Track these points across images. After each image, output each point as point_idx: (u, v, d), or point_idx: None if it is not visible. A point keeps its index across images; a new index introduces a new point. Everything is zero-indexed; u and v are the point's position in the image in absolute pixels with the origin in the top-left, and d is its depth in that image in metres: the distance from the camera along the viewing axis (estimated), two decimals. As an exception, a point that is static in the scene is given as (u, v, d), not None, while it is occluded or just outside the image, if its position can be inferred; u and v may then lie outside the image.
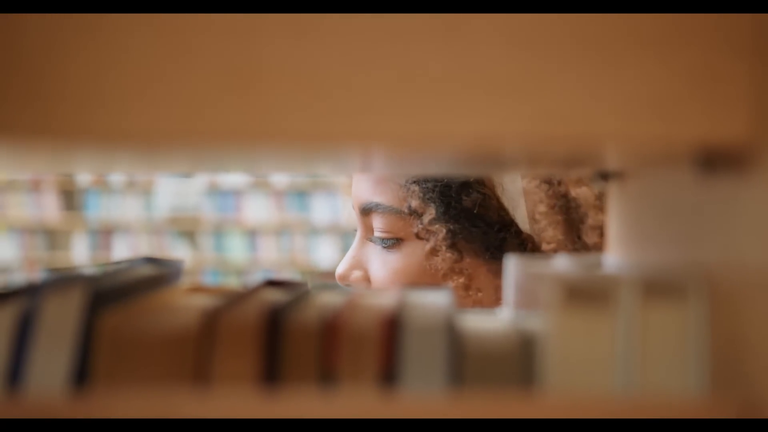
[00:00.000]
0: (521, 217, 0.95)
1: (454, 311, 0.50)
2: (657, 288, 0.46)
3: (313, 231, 5.95)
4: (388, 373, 0.46)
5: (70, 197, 5.96)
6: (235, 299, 0.50)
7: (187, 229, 5.93)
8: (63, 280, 0.47)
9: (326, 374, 0.46)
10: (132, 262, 0.58)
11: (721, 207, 0.44)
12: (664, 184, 0.53)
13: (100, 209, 5.92)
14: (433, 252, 0.95)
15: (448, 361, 0.46)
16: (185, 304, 0.55)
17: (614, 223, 0.66)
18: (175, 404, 0.42)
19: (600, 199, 0.90)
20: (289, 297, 0.52)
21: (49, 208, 5.89)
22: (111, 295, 0.49)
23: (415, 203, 0.95)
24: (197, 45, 0.41)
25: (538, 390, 0.46)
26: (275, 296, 0.54)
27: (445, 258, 0.95)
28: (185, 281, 0.62)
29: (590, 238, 0.91)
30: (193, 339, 0.46)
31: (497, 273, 0.95)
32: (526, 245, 0.95)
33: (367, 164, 0.61)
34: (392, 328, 0.46)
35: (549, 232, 0.92)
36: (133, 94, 0.41)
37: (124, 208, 5.90)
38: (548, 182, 0.93)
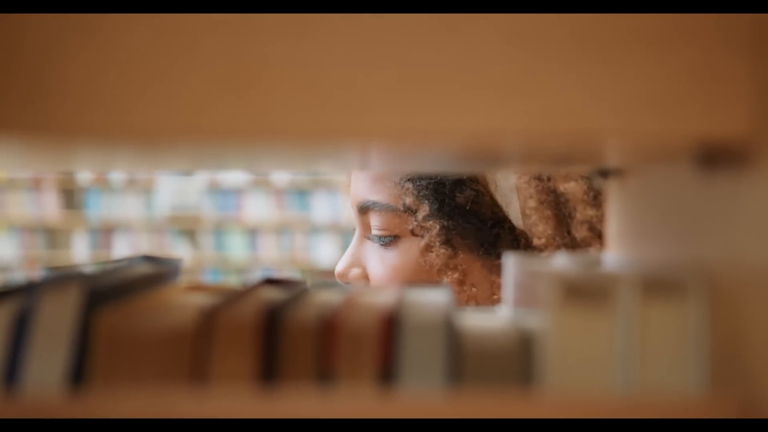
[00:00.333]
0: (514, 214, 0.95)
1: (452, 309, 0.50)
2: (656, 286, 0.46)
3: (313, 229, 5.95)
4: (387, 372, 0.46)
5: (71, 196, 5.95)
6: (233, 298, 0.50)
7: (187, 228, 5.92)
8: (60, 278, 0.46)
9: (324, 373, 0.46)
10: (130, 261, 0.58)
11: (721, 205, 0.44)
12: (664, 182, 0.53)
13: (101, 208, 5.92)
14: (428, 248, 0.96)
15: (447, 359, 0.45)
16: (183, 302, 0.55)
17: (614, 220, 0.66)
18: (172, 403, 0.42)
19: (588, 194, 0.90)
20: (287, 295, 0.52)
21: (49, 207, 5.89)
22: (108, 293, 0.48)
23: (409, 200, 0.96)
24: (197, 44, 0.41)
25: (537, 388, 0.46)
26: (273, 295, 0.54)
27: (439, 254, 0.95)
28: (185, 280, 0.62)
29: (579, 232, 0.91)
30: (191, 337, 0.46)
31: (491, 268, 0.95)
32: (520, 241, 0.96)
33: (367, 161, 0.60)
34: (391, 327, 0.46)
35: (539, 227, 0.93)
36: (133, 93, 0.41)
37: (124, 207, 5.90)
38: (538, 178, 0.93)
